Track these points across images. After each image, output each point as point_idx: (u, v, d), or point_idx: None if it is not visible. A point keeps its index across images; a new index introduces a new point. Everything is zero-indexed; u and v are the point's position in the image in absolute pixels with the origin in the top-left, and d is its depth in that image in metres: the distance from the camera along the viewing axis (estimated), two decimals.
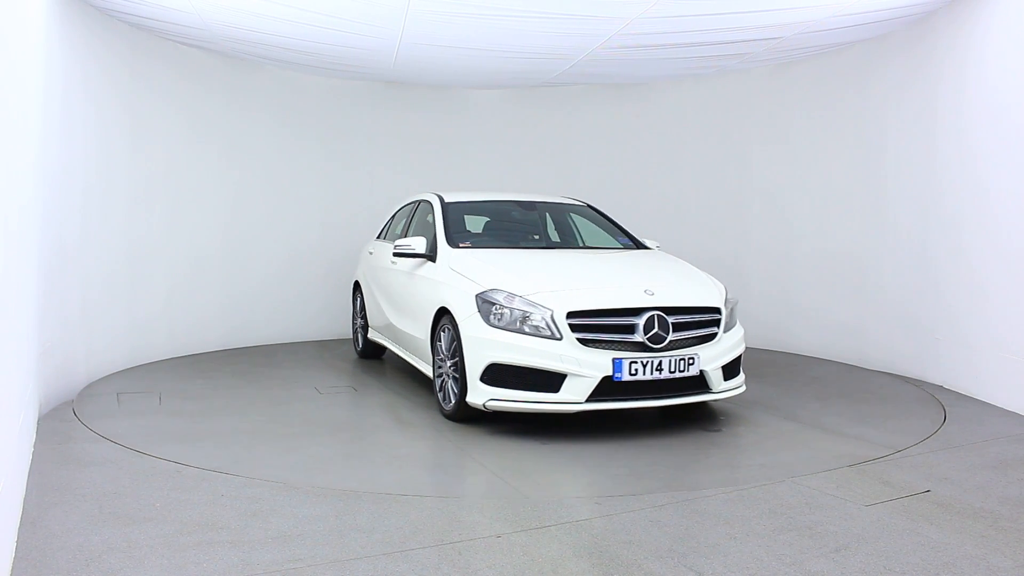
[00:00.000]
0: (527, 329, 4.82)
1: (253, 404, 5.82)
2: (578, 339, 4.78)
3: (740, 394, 5.47)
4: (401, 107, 9.27)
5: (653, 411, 5.60)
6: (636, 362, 4.76)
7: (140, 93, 7.09)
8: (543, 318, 4.81)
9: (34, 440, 4.68)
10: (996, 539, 3.35)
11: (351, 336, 8.31)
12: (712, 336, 5.12)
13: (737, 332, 5.41)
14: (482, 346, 4.89)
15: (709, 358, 5.03)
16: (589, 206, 6.86)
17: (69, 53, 6.00)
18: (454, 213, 6.36)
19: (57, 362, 5.66)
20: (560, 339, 4.77)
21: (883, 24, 6.70)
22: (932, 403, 5.88)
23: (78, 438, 4.79)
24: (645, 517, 3.58)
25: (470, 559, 3.13)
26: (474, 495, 4.00)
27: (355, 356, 7.83)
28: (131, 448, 4.57)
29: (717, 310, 5.18)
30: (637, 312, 4.86)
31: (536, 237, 6.51)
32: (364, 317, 7.56)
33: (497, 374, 4.85)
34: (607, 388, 4.76)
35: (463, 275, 5.34)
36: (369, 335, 7.41)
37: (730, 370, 5.23)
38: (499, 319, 4.88)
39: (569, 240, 6.56)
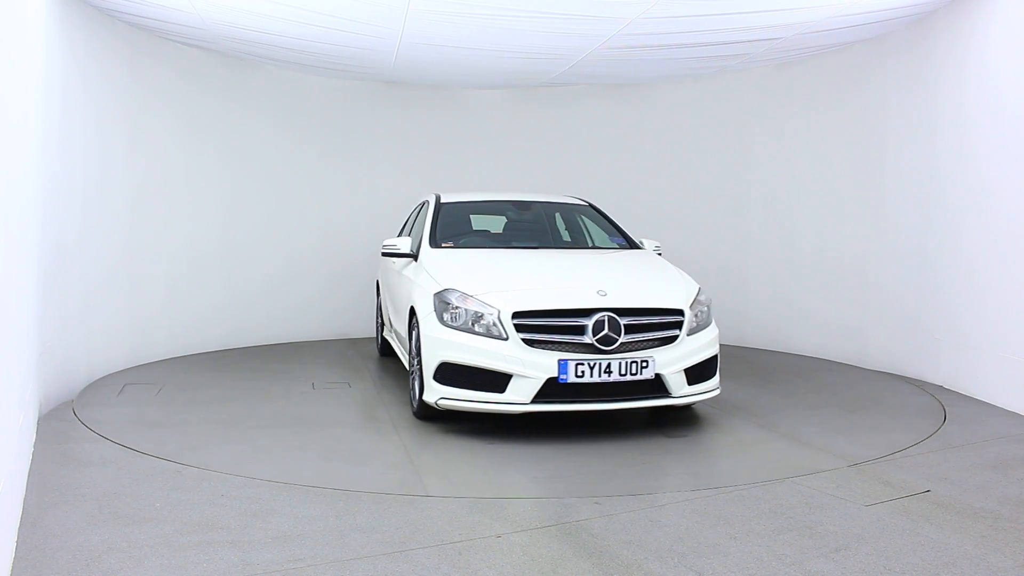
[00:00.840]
0: (478, 329, 4.82)
1: (242, 397, 5.95)
2: (523, 339, 4.73)
3: (713, 397, 5.25)
4: (401, 107, 9.28)
5: (635, 413, 5.51)
6: (583, 364, 4.67)
7: (139, 93, 7.09)
8: (491, 318, 4.80)
9: (34, 440, 4.68)
10: (996, 539, 3.35)
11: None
12: (672, 339, 4.94)
13: (708, 334, 5.18)
14: (435, 345, 4.92)
15: (667, 361, 4.85)
16: (591, 206, 6.82)
17: (68, 53, 6.00)
18: (448, 213, 6.41)
19: (57, 362, 5.66)
20: (506, 339, 4.75)
21: (883, 24, 6.70)
22: (932, 403, 5.88)
23: (78, 438, 4.79)
24: (645, 517, 3.58)
25: (470, 559, 3.13)
26: (369, 489, 3.96)
27: (377, 354, 7.88)
28: (131, 448, 4.57)
29: (679, 312, 5.00)
30: (587, 313, 4.76)
31: (526, 237, 6.50)
32: (380, 316, 7.67)
33: (448, 373, 4.86)
34: (556, 390, 4.69)
35: (430, 274, 5.39)
36: (384, 333, 7.52)
37: (697, 374, 5.03)
38: (453, 319, 4.91)
39: (560, 240, 6.52)
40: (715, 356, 5.22)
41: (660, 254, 6.26)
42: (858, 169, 7.44)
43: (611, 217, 6.67)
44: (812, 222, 7.97)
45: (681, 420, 5.43)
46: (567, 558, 3.14)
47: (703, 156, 8.90)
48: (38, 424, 5.01)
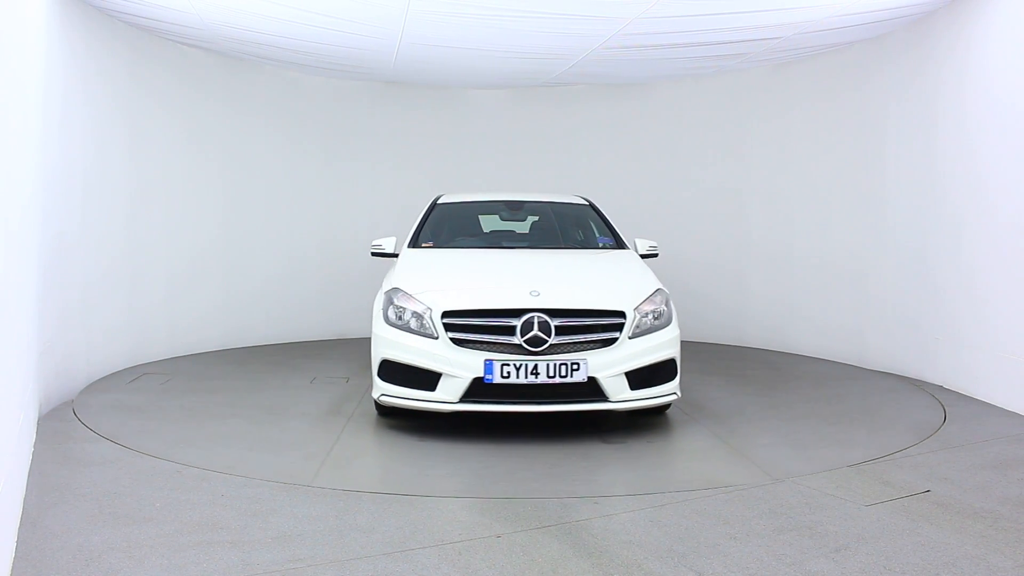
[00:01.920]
0: (415, 327, 4.87)
1: (235, 390, 6.17)
2: (452, 339, 4.75)
3: (666, 403, 5.07)
4: (401, 107, 9.28)
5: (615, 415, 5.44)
6: (508, 364, 4.64)
7: (139, 93, 7.10)
8: (425, 317, 4.85)
9: (34, 440, 4.68)
10: (996, 539, 3.35)
11: None
12: (611, 341, 4.81)
13: (661, 336, 4.98)
14: (379, 343, 4.99)
15: (602, 364, 4.72)
16: (590, 205, 6.77)
17: (68, 53, 6.00)
18: (442, 213, 6.52)
19: (57, 362, 5.66)
20: (437, 338, 4.78)
21: (883, 24, 6.70)
22: (932, 403, 5.88)
23: (78, 438, 4.79)
24: (645, 517, 3.58)
25: (470, 559, 3.13)
26: (263, 476, 4.12)
27: None
28: (131, 448, 4.57)
29: (619, 314, 4.86)
30: (517, 313, 4.71)
31: (515, 237, 6.53)
32: None
33: (389, 370, 4.93)
34: (487, 390, 4.67)
35: (392, 273, 5.47)
36: None
37: (644, 378, 4.88)
38: (397, 317, 4.97)
39: (548, 240, 6.45)
40: (671, 360, 5.02)
41: (656, 254, 6.19)
42: (858, 169, 7.45)
43: (607, 216, 6.58)
44: (812, 222, 7.97)
45: (657, 422, 5.42)
46: (567, 558, 3.14)
47: (703, 156, 8.91)
48: (38, 424, 5.01)
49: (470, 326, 4.76)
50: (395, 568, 3.04)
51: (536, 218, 6.73)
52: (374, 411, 5.49)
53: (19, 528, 3.37)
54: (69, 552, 3.15)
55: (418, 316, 4.87)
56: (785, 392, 6.35)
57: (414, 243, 6.11)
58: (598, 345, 4.78)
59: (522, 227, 6.76)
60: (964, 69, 6.17)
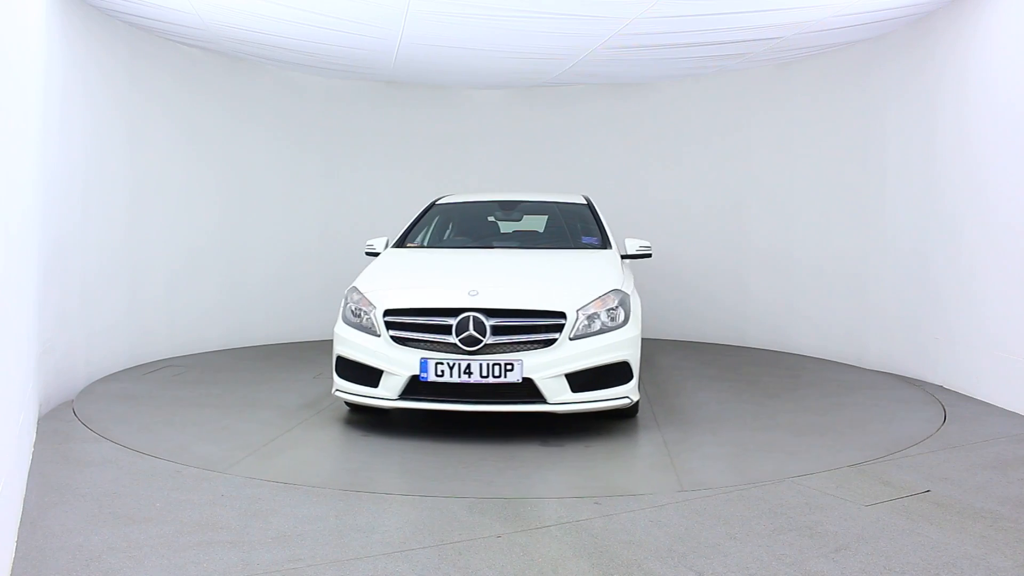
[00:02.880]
0: (364, 325, 5.00)
1: (236, 383, 6.34)
2: (393, 336, 4.83)
3: (619, 407, 4.95)
4: (401, 107, 9.28)
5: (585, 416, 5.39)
6: (443, 363, 4.68)
7: (138, 93, 7.10)
8: (371, 315, 4.96)
9: (34, 440, 4.68)
10: (996, 539, 3.35)
11: None
12: (550, 342, 4.74)
13: (612, 337, 4.86)
14: (336, 340, 5.15)
15: (539, 365, 4.67)
16: (587, 204, 6.69)
17: (68, 53, 6.00)
18: (439, 213, 6.66)
19: (57, 362, 5.66)
20: (380, 336, 4.89)
21: (883, 24, 6.70)
22: (932, 403, 5.88)
23: (78, 438, 4.79)
24: (645, 517, 3.58)
25: (470, 559, 3.13)
26: (185, 462, 4.32)
27: None
28: (131, 448, 4.57)
29: (559, 315, 4.78)
30: (453, 312, 4.74)
31: (502, 237, 6.55)
32: None
33: (343, 367, 5.08)
34: (427, 387, 4.73)
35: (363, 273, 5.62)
36: None
37: (590, 380, 4.79)
38: (354, 315, 5.11)
39: (533, 240, 6.44)
40: (623, 362, 4.90)
41: (647, 255, 6.11)
42: (858, 169, 7.45)
43: (599, 216, 6.47)
44: (812, 221, 7.97)
45: (614, 427, 5.41)
46: (567, 558, 3.14)
47: (703, 156, 8.90)
48: (38, 424, 5.01)
49: (409, 324, 4.84)
50: (395, 568, 3.04)
51: (529, 218, 6.72)
52: (345, 407, 5.58)
53: (19, 528, 3.37)
54: (69, 552, 3.15)
55: (366, 314, 5.00)
56: (779, 392, 6.34)
57: (400, 243, 6.27)
58: (536, 346, 4.74)
59: (514, 227, 6.76)
60: (964, 69, 6.17)
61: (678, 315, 8.98)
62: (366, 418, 5.38)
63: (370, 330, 4.94)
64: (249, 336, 8.35)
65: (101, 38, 6.57)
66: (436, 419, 5.27)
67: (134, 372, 6.80)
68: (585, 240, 6.23)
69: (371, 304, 4.98)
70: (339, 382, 5.08)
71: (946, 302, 6.43)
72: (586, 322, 4.85)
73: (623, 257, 5.99)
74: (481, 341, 4.66)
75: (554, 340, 4.74)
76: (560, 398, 4.73)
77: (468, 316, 4.70)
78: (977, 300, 6.05)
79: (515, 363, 4.66)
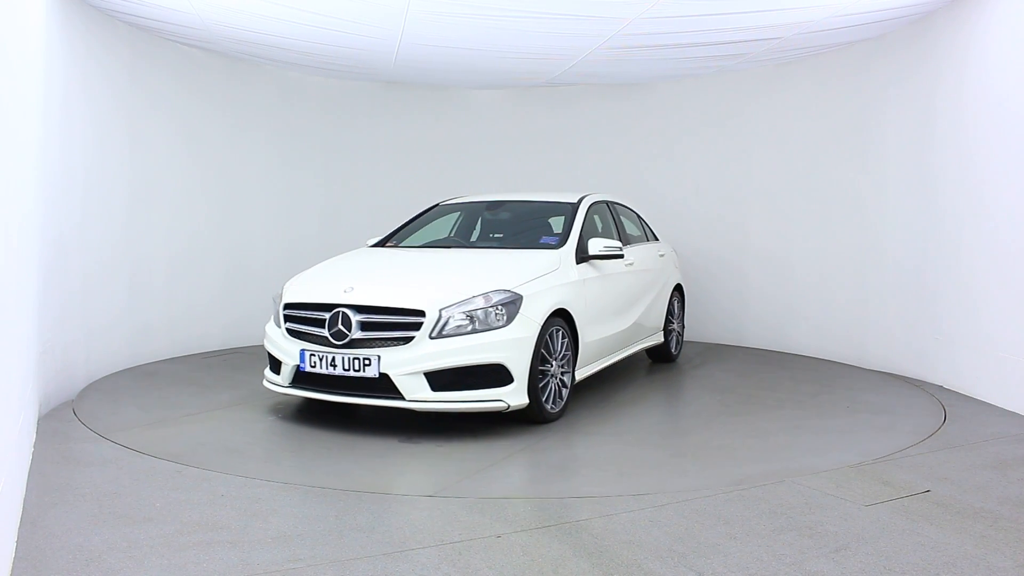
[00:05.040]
0: (276, 317, 5.43)
1: (237, 382, 6.43)
2: (287, 329, 5.22)
3: (486, 409, 4.87)
4: (401, 107, 9.28)
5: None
6: (315, 355, 4.98)
7: (138, 93, 7.09)
8: (278, 308, 5.38)
9: (34, 440, 4.68)
10: (996, 539, 3.35)
11: None
12: (409, 339, 4.80)
13: (487, 337, 4.82)
14: (265, 334, 5.54)
15: (396, 362, 4.75)
16: (575, 205, 6.43)
17: (69, 53, 6.00)
18: (436, 214, 6.85)
19: (57, 362, 5.66)
20: (280, 328, 5.31)
21: (883, 24, 6.70)
22: (932, 403, 5.88)
23: (78, 438, 4.79)
24: (645, 517, 3.58)
25: (470, 559, 3.13)
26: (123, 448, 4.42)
27: None
28: (131, 448, 4.57)
29: (419, 312, 4.83)
30: (328, 308, 5.02)
31: (478, 237, 6.63)
32: None
33: (270, 358, 5.45)
34: (308, 378, 5.06)
35: None
36: None
37: (457, 380, 4.78)
38: (273, 307, 5.55)
39: (503, 241, 6.42)
40: (498, 364, 4.83)
41: (616, 256, 5.96)
42: (858, 169, 7.45)
43: (576, 217, 6.22)
44: (811, 221, 7.97)
45: (505, 429, 5.37)
46: (567, 558, 3.14)
47: (703, 155, 8.90)
48: (38, 424, 5.01)
49: (297, 318, 5.20)
50: (395, 568, 3.04)
51: (510, 219, 6.70)
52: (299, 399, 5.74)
53: (19, 528, 3.37)
54: (69, 552, 3.15)
55: (276, 307, 5.42)
56: (778, 392, 6.34)
57: (381, 242, 6.52)
58: (396, 343, 4.83)
59: (491, 228, 6.75)
60: (963, 69, 6.17)
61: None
62: (306, 410, 5.56)
63: (277, 322, 5.37)
64: (250, 335, 8.34)
65: (101, 38, 6.56)
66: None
67: (134, 372, 6.80)
68: (543, 240, 6.14)
69: (281, 298, 5.40)
70: (266, 372, 5.50)
71: (946, 302, 6.43)
72: (457, 321, 4.85)
73: (590, 258, 5.86)
74: (347, 336, 4.89)
75: (412, 338, 4.82)
76: (418, 396, 4.78)
77: (339, 312, 4.95)
78: (977, 300, 6.05)
79: (372, 358, 4.81)
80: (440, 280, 5.22)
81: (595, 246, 5.90)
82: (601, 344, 6.00)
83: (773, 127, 8.33)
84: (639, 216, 7.58)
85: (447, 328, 4.82)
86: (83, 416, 5.27)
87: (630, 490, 3.96)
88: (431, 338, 4.80)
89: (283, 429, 5.16)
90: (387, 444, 4.77)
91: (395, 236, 6.65)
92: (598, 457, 4.60)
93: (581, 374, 5.71)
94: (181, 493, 3.85)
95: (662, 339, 7.39)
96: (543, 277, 5.34)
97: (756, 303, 8.57)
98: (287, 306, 5.27)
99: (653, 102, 9.15)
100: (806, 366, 7.49)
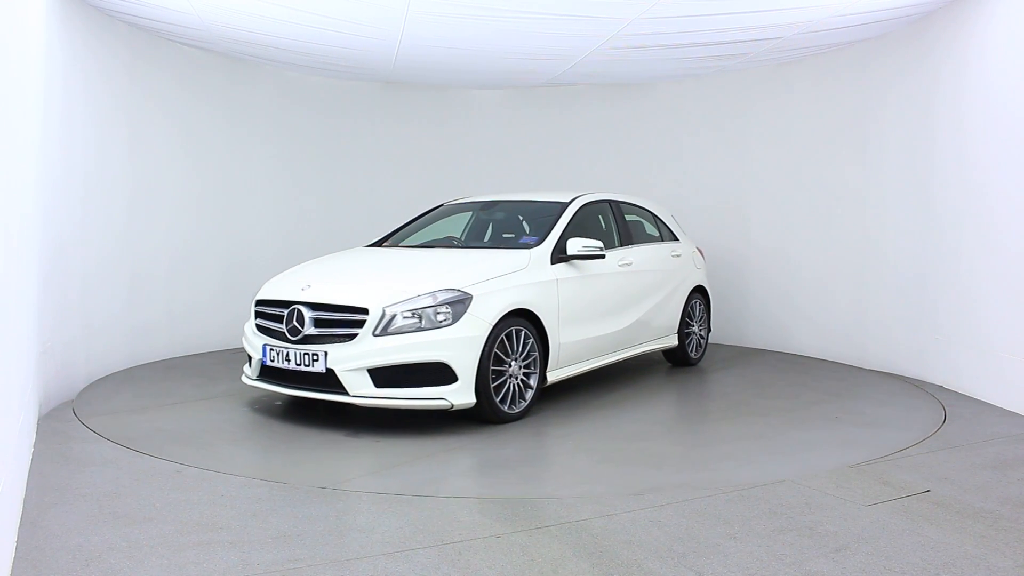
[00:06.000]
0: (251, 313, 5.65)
1: (236, 382, 6.39)
2: (256, 325, 5.44)
3: (427, 407, 4.95)
4: (401, 107, 9.28)
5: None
6: (274, 350, 5.18)
7: (138, 93, 7.09)
8: (251, 306, 5.61)
9: (34, 440, 4.68)
10: (996, 539, 3.35)
11: None
12: (353, 336, 4.90)
13: (429, 336, 4.86)
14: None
15: (340, 358, 4.86)
16: (566, 204, 6.34)
17: (69, 53, 6.00)
18: (438, 214, 6.88)
19: (57, 362, 5.66)
20: (251, 323, 5.54)
21: (883, 24, 6.70)
22: (932, 403, 5.88)
23: (78, 438, 4.79)
24: (645, 517, 3.58)
25: (470, 559, 3.13)
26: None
27: None
28: (131, 448, 4.57)
29: (363, 311, 4.92)
30: (286, 305, 5.22)
31: (467, 237, 6.66)
32: None
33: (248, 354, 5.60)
34: (270, 371, 5.25)
35: None
36: None
37: (399, 377, 4.84)
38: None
39: (474, 240, 6.51)
40: (440, 363, 4.87)
41: (596, 256, 5.87)
42: (858, 168, 7.44)
43: (562, 217, 6.13)
44: (812, 221, 7.97)
45: (455, 427, 5.31)
46: (567, 558, 3.14)
47: (703, 155, 8.90)
48: (38, 424, 5.01)
49: (263, 314, 5.42)
50: (395, 568, 3.04)
51: (501, 220, 6.70)
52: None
53: (19, 528, 3.37)
54: (69, 552, 3.15)
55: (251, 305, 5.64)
56: (778, 392, 6.34)
57: (378, 242, 6.58)
58: (342, 340, 4.94)
59: (481, 230, 6.76)
60: (963, 69, 6.17)
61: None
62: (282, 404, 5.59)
63: (251, 318, 5.58)
64: None
65: (101, 38, 6.57)
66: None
67: (134, 371, 6.80)
68: (522, 240, 6.13)
69: (256, 295, 5.60)
70: (244, 366, 5.62)
71: (946, 302, 6.43)
72: (403, 319, 4.91)
73: (568, 258, 5.80)
74: (301, 332, 5.05)
75: (356, 335, 4.92)
76: (361, 391, 4.88)
77: (295, 309, 5.13)
78: (976, 299, 6.04)
79: (320, 354, 4.94)
80: (395, 279, 5.30)
81: (573, 246, 5.81)
82: (584, 345, 5.89)
83: (773, 127, 8.33)
84: (656, 216, 7.43)
85: (392, 326, 4.90)
86: (83, 416, 5.27)
87: (556, 491, 3.96)
88: (375, 335, 4.89)
89: (249, 421, 5.34)
90: (333, 437, 4.92)
91: (394, 236, 6.69)
92: (531, 458, 4.61)
93: (557, 375, 5.64)
94: (181, 493, 3.85)
95: (675, 342, 7.21)
96: (503, 277, 5.32)
97: (756, 303, 8.57)
98: (258, 303, 5.49)
99: (653, 102, 9.15)
100: (805, 366, 7.48)
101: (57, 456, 4.43)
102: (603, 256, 5.97)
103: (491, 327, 5.05)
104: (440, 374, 4.90)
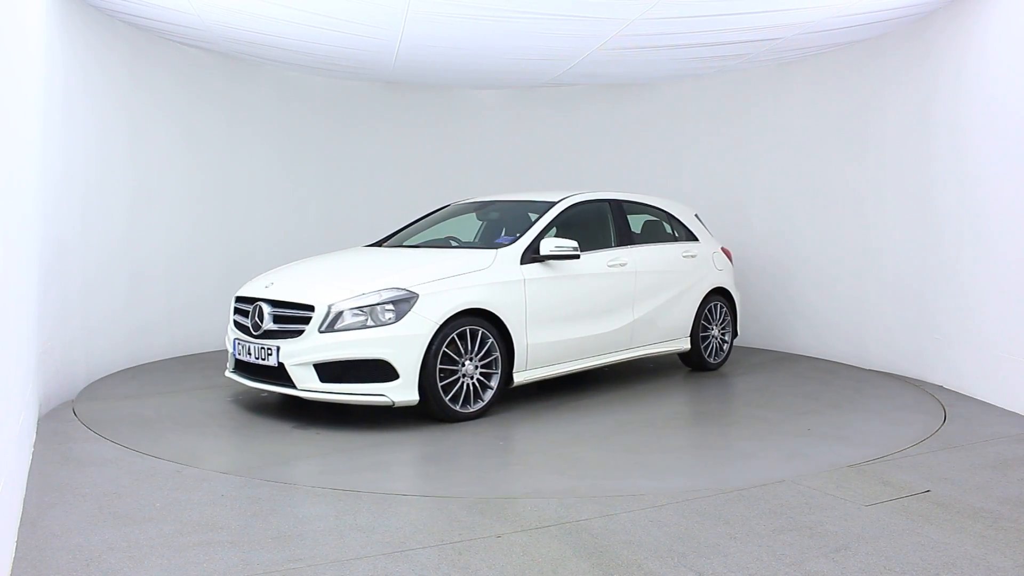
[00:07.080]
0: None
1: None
2: (233, 321, 5.63)
3: (370, 403, 5.04)
4: (401, 107, 9.28)
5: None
6: (239, 344, 5.43)
7: (139, 93, 7.09)
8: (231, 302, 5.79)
9: (34, 440, 4.69)
10: (996, 539, 3.35)
11: None
12: (301, 332, 5.07)
13: (372, 333, 4.95)
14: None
15: (289, 353, 5.06)
16: (552, 204, 6.30)
17: (70, 52, 6.00)
18: (442, 214, 6.92)
19: (57, 362, 5.66)
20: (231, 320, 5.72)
21: (883, 24, 6.70)
22: (932, 403, 5.88)
23: (78, 438, 4.79)
24: (645, 517, 3.58)
25: (470, 559, 3.13)
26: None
27: None
28: (131, 448, 4.57)
29: (310, 308, 5.09)
30: (251, 301, 5.47)
31: (455, 238, 6.63)
32: None
33: None
34: (241, 364, 5.46)
35: None
36: None
37: (343, 372, 4.95)
38: None
39: (479, 241, 6.50)
40: (381, 360, 4.95)
41: (571, 256, 5.78)
42: (857, 168, 7.44)
43: (542, 217, 6.09)
44: (812, 221, 7.97)
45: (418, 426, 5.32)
46: (567, 558, 3.14)
47: (703, 156, 8.90)
48: (38, 424, 5.01)
49: (237, 310, 5.64)
50: (395, 568, 3.04)
51: (496, 221, 6.67)
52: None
53: (19, 528, 3.37)
54: (69, 552, 3.15)
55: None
56: (778, 392, 6.34)
57: (378, 242, 6.66)
58: (293, 335, 5.12)
59: (474, 230, 6.81)
60: (962, 69, 6.17)
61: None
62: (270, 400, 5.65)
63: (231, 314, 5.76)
64: None
65: (102, 37, 6.57)
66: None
67: (134, 371, 6.80)
68: (497, 240, 6.12)
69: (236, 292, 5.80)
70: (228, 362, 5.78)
71: (945, 302, 6.42)
72: (350, 316, 5.04)
73: (542, 259, 5.75)
74: (261, 327, 5.28)
75: (303, 331, 5.08)
76: (308, 385, 5.04)
77: (257, 305, 5.37)
78: (976, 299, 6.04)
79: (273, 349, 5.14)
80: (351, 278, 5.42)
81: (546, 246, 5.75)
82: (561, 347, 5.82)
83: (773, 127, 8.33)
84: (672, 215, 7.28)
85: (339, 323, 5.03)
86: (83, 416, 5.27)
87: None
88: (320, 332, 5.03)
89: (223, 411, 5.50)
90: (282, 429, 5.09)
91: (396, 236, 6.71)
92: (466, 455, 4.63)
93: (526, 377, 5.59)
94: (181, 493, 3.85)
95: (687, 345, 6.99)
96: (457, 277, 5.32)
97: (756, 303, 8.56)
98: (236, 299, 5.69)
99: (653, 102, 9.15)
100: (805, 366, 7.48)
101: (57, 456, 4.43)
102: (578, 256, 5.86)
103: (437, 326, 5.08)
104: (382, 371, 4.99)
